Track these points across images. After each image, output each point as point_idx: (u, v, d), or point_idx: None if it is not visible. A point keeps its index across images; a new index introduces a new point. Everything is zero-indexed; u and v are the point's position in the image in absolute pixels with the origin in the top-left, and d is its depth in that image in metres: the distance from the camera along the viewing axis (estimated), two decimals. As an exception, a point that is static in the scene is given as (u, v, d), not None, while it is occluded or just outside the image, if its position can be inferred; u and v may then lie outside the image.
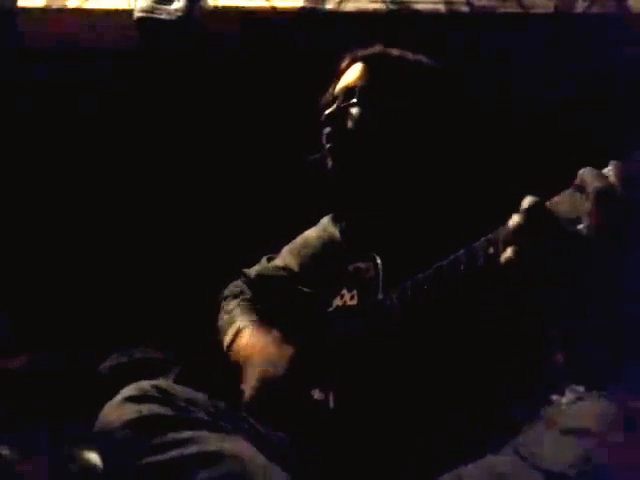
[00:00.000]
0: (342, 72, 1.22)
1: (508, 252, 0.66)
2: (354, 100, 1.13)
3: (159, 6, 1.75)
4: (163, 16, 1.75)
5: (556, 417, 0.71)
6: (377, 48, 1.21)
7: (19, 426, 1.47)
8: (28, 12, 1.81)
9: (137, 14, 1.76)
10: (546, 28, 1.82)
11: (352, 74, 1.18)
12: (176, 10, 1.75)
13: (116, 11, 1.83)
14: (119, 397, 0.93)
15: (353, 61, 1.21)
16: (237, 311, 1.27)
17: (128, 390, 0.94)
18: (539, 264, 0.63)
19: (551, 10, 1.83)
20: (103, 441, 0.93)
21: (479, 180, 1.09)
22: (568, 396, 0.72)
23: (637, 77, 1.65)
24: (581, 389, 0.70)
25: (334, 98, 1.19)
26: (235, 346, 1.19)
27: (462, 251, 0.79)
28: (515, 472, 0.67)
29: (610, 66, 1.75)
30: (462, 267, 0.78)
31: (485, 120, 1.33)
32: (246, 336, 1.18)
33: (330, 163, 1.14)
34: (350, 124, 1.12)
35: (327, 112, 1.16)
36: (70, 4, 1.83)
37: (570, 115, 1.77)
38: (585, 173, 0.63)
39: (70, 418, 1.42)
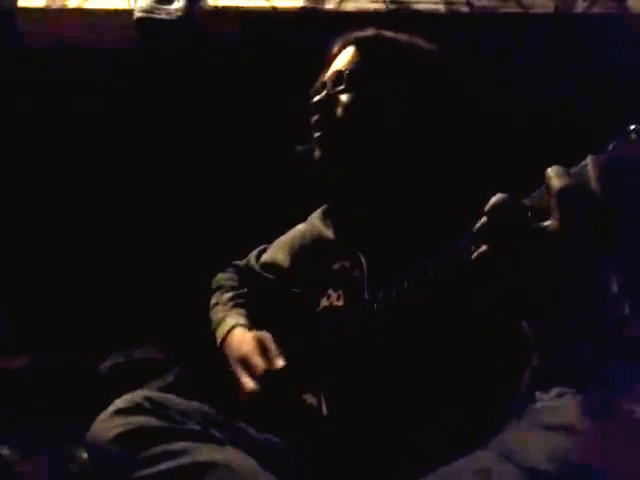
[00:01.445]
0: (333, 57, 1.15)
1: (480, 249, 0.66)
2: (343, 86, 1.07)
3: (159, 6, 1.75)
4: (163, 16, 1.75)
5: (540, 413, 0.71)
6: (369, 31, 1.14)
7: (19, 426, 1.47)
8: (28, 12, 1.81)
9: (137, 14, 1.76)
10: (546, 28, 1.82)
11: (342, 59, 1.12)
12: (176, 10, 1.75)
13: (116, 11, 1.83)
14: (109, 410, 0.92)
15: (344, 45, 1.14)
16: (230, 305, 1.27)
17: (119, 402, 0.93)
18: (507, 261, 0.63)
19: (551, 10, 1.83)
20: (94, 455, 0.92)
21: (474, 178, 1.08)
22: (552, 392, 0.72)
23: (637, 77, 1.65)
24: (565, 388, 0.70)
25: (324, 85, 1.12)
26: (226, 344, 1.18)
27: (447, 249, 0.79)
28: (496, 469, 0.67)
29: (610, 66, 1.75)
30: (447, 265, 0.78)
31: (485, 120, 1.33)
32: (237, 335, 1.17)
33: (317, 153, 1.09)
34: (339, 111, 1.07)
35: (315, 99, 1.10)
36: (70, 4, 1.83)
37: (570, 115, 1.77)
38: (549, 172, 0.63)
39: (70, 418, 1.42)
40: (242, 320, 1.21)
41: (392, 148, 1.06)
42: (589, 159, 0.61)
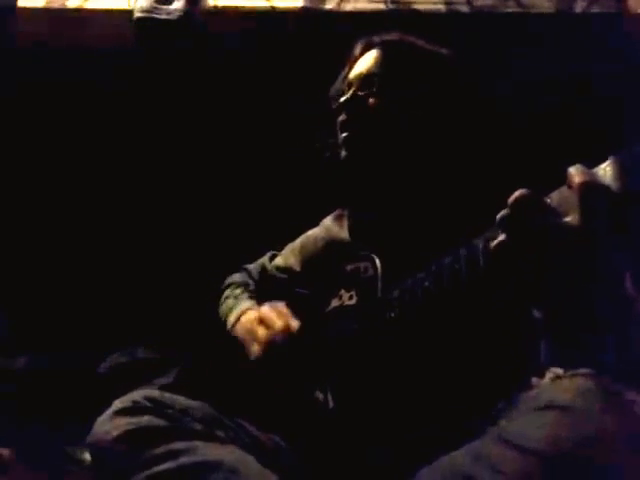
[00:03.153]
0: (356, 58, 1.16)
1: (499, 237, 0.68)
2: (374, 89, 1.08)
3: (159, 6, 1.75)
4: (163, 16, 1.75)
5: (536, 396, 0.72)
6: (393, 35, 1.16)
7: (19, 426, 1.47)
8: (28, 12, 1.82)
9: (137, 14, 1.76)
10: (546, 28, 1.82)
11: (368, 61, 1.13)
12: (176, 10, 1.75)
13: (116, 11, 1.83)
14: (110, 410, 0.92)
15: (368, 47, 1.15)
16: (244, 296, 1.27)
17: (119, 402, 0.93)
18: (527, 258, 0.66)
19: (551, 10, 1.83)
20: (97, 456, 0.91)
21: (479, 180, 1.09)
22: (548, 376, 0.74)
23: (637, 77, 1.65)
24: (560, 370, 0.72)
25: (349, 85, 1.13)
26: (241, 321, 1.17)
27: (462, 248, 0.79)
28: (496, 453, 0.68)
29: (610, 66, 1.76)
30: (462, 264, 0.78)
31: (485, 120, 1.33)
32: (252, 313, 1.17)
33: (344, 152, 1.09)
34: (369, 114, 1.08)
35: (343, 99, 1.10)
36: (70, 4, 1.83)
37: (570, 115, 1.77)
38: (571, 170, 0.65)
39: (70, 418, 1.42)
40: (256, 307, 1.20)
41: (411, 150, 1.07)
42: (610, 159, 0.64)
